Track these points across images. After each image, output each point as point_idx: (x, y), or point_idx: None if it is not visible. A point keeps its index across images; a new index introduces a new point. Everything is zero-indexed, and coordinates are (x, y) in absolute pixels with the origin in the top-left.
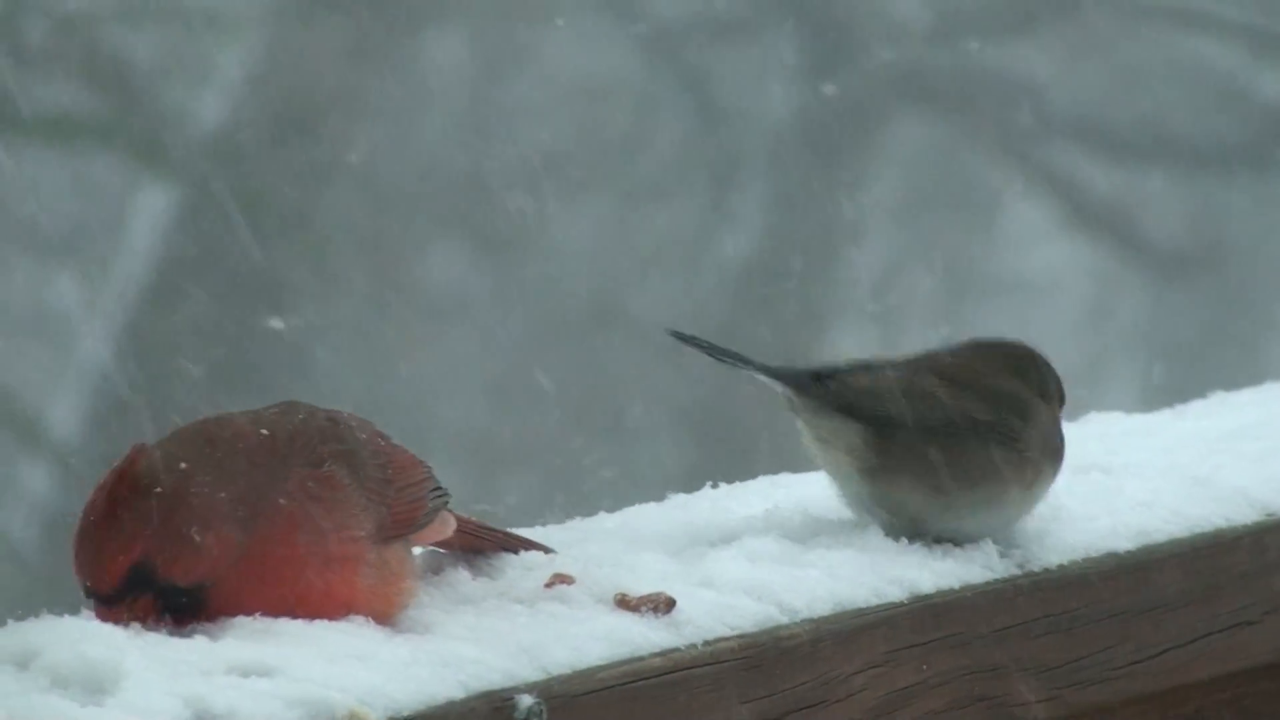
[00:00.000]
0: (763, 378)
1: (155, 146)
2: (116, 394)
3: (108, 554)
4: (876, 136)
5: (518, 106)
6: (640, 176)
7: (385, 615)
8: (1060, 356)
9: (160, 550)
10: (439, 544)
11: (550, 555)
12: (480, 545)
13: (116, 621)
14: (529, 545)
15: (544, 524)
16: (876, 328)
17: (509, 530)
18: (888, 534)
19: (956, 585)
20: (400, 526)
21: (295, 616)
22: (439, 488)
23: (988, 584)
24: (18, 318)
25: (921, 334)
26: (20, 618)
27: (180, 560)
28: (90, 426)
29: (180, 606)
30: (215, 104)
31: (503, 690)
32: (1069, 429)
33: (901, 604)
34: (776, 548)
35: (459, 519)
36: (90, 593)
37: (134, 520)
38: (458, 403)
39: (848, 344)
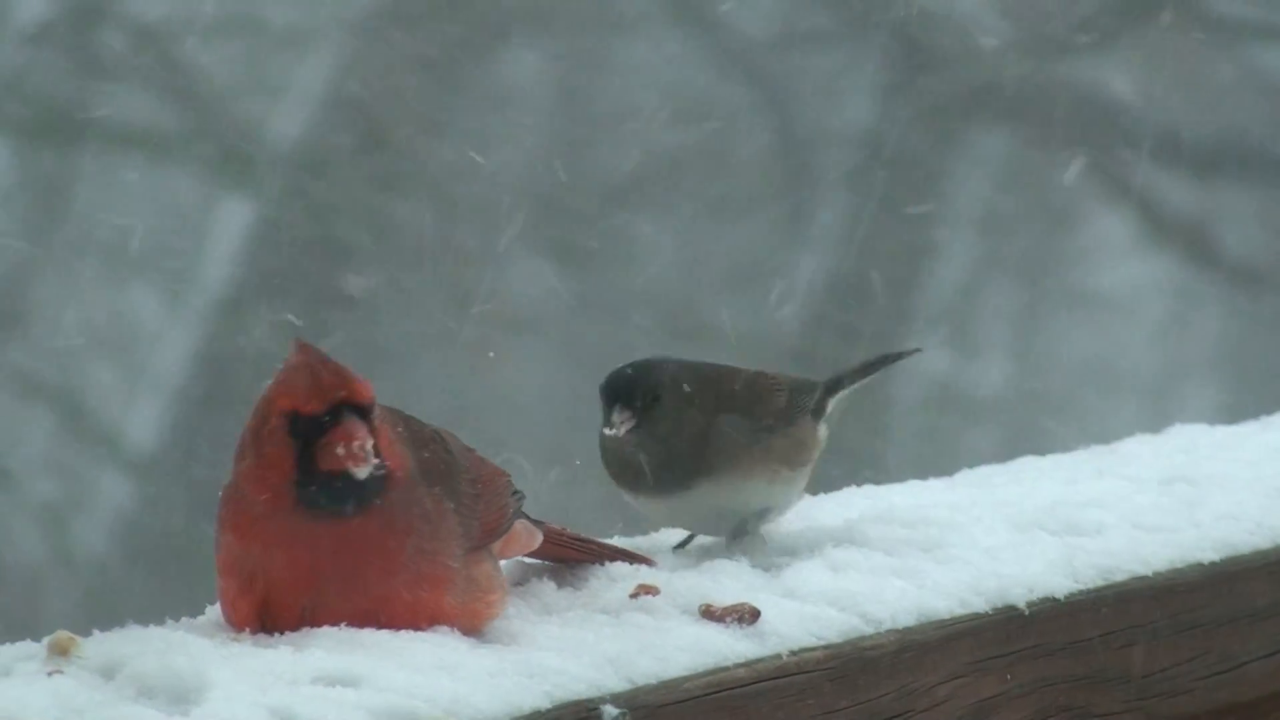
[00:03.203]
0: None
1: (235, 159)
2: (195, 407)
3: (355, 375)
4: (956, 151)
5: (599, 120)
6: (721, 191)
7: (473, 628)
8: (1139, 369)
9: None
10: (526, 554)
11: (635, 566)
12: (570, 555)
13: (360, 436)
14: (626, 556)
15: (629, 535)
16: (955, 343)
17: (604, 540)
18: None
19: (1041, 596)
20: (486, 536)
21: (380, 624)
22: (516, 490)
23: (1071, 595)
24: (98, 330)
25: (1001, 349)
26: (106, 627)
27: (384, 434)
28: (168, 439)
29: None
30: (295, 117)
31: (588, 700)
32: (1154, 440)
33: (986, 614)
34: (860, 558)
35: (548, 529)
36: (342, 405)
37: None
38: (537, 416)
39: (927, 359)
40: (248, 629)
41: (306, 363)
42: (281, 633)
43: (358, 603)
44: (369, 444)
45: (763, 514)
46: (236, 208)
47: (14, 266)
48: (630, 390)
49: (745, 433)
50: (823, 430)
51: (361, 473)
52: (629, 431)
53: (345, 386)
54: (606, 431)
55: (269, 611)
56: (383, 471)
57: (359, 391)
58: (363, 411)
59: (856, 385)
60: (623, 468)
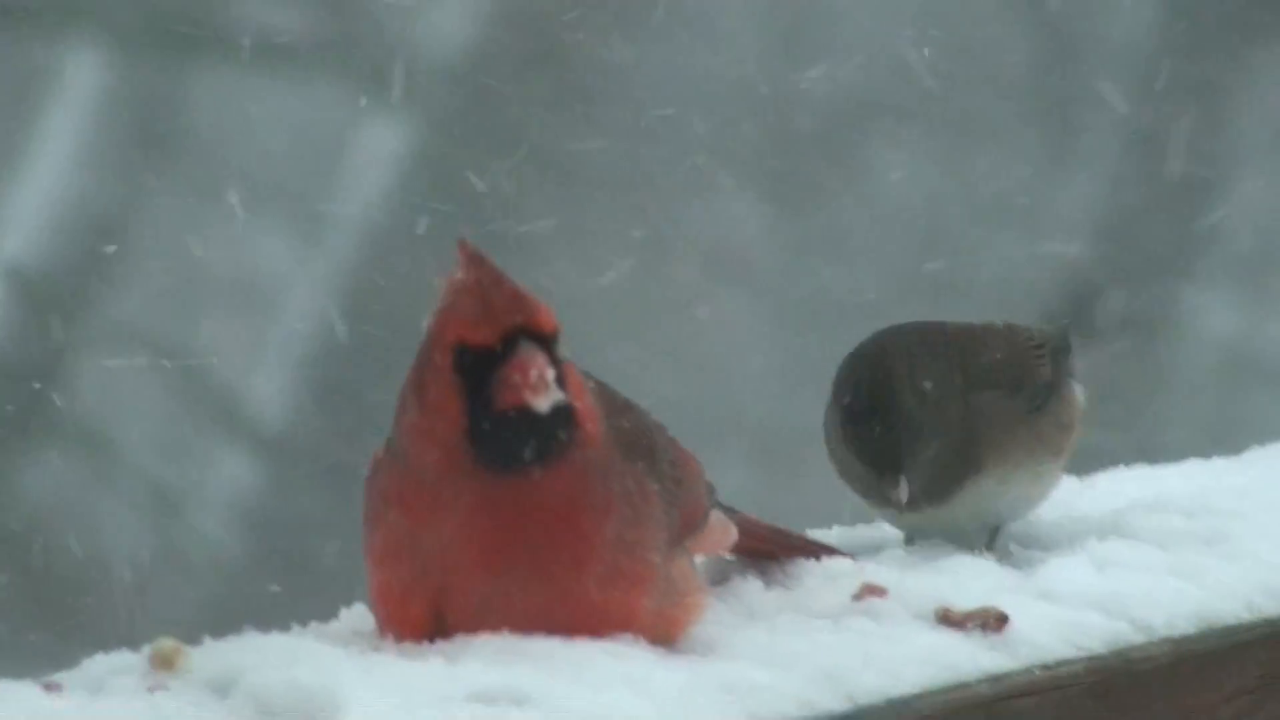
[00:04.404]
0: None
1: (383, 74)
2: (333, 371)
3: (535, 299)
4: (1251, 61)
5: (822, 26)
6: (975, 112)
7: (668, 637)
8: None
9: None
10: (722, 551)
11: (859, 564)
12: (769, 550)
13: (539, 365)
14: (826, 550)
15: (852, 525)
16: (1248, 297)
17: (803, 533)
18: None
19: None
20: (685, 531)
21: (552, 631)
22: (710, 483)
23: None
24: (216, 278)
25: None
26: (220, 635)
27: (573, 376)
28: (300, 410)
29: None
30: (455, 24)
31: None
32: None
33: None
34: (1129, 552)
35: (742, 519)
36: (519, 334)
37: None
38: (738, 381)
39: (1215, 308)
40: (417, 633)
41: (476, 283)
42: (457, 636)
43: (537, 597)
44: (550, 374)
45: (1022, 514)
46: (383, 133)
47: (117, 202)
48: (893, 451)
49: (1008, 414)
50: (1081, 396)
51: (542, 404)
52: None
53: (522, 311)
54: (893, 500)
55: (448, 602)
56: (569, 408)
57: (539, 318)
58: (544, 341)
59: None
60: (871, 483)
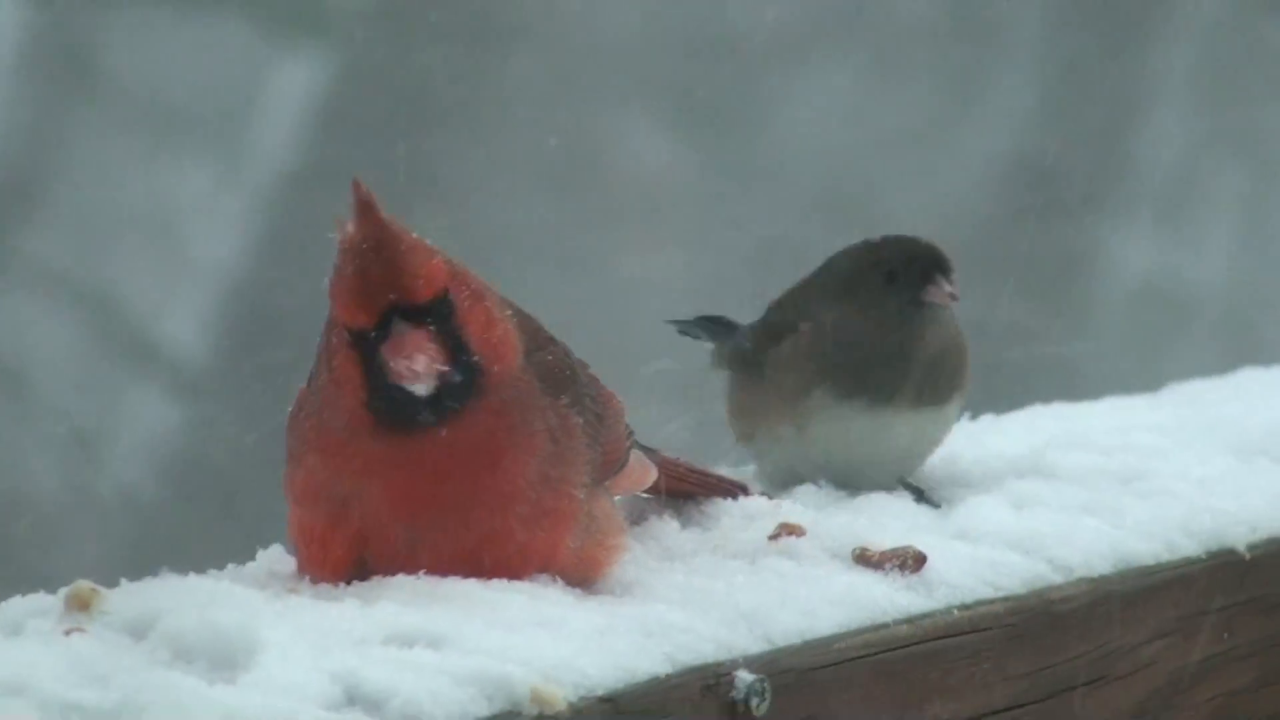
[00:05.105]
0: None
1: (300, 11)
2: (250, 309)
3: (420, 259)
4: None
5: None
6: (884, 44)
7: (587, 579)
8: None
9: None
10: (641, 490)
11: (776, 502)
12: (688, 489)
13: (410, 349)
14: (743, 489)
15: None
16: (1167, 228)
17: (721, 473)
18: None
19: (1266, 536)
20: (607, 469)
21: (475, 572)
22: (628, 426)
23: None
24: (132, 215)
25: (1220, 239)
26: (136, 577)
27: (475, 323)
28: (218, 349)
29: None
30: None
31: (717, 664)
32: None
33: (1200, 559)
34: (1048, 491)
35: (661, 459)
36: (394, 309)
37: (423, 246)
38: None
39: (1130, 248)
40: (338, 572)
41: (358, 245)
42: (380, 576)
43: (463, 540)
44: (420, 359)
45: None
46: (298, 67)
47: (30, 140)
48: (947, 256)
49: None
50: None
51: (420, 387)
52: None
53: (396, 285)
54: (935, 300)
55: (369, 548)
56: (466, 372)
57: (411, 290)
58: (425, 313)
59: None
60: (886, 365)
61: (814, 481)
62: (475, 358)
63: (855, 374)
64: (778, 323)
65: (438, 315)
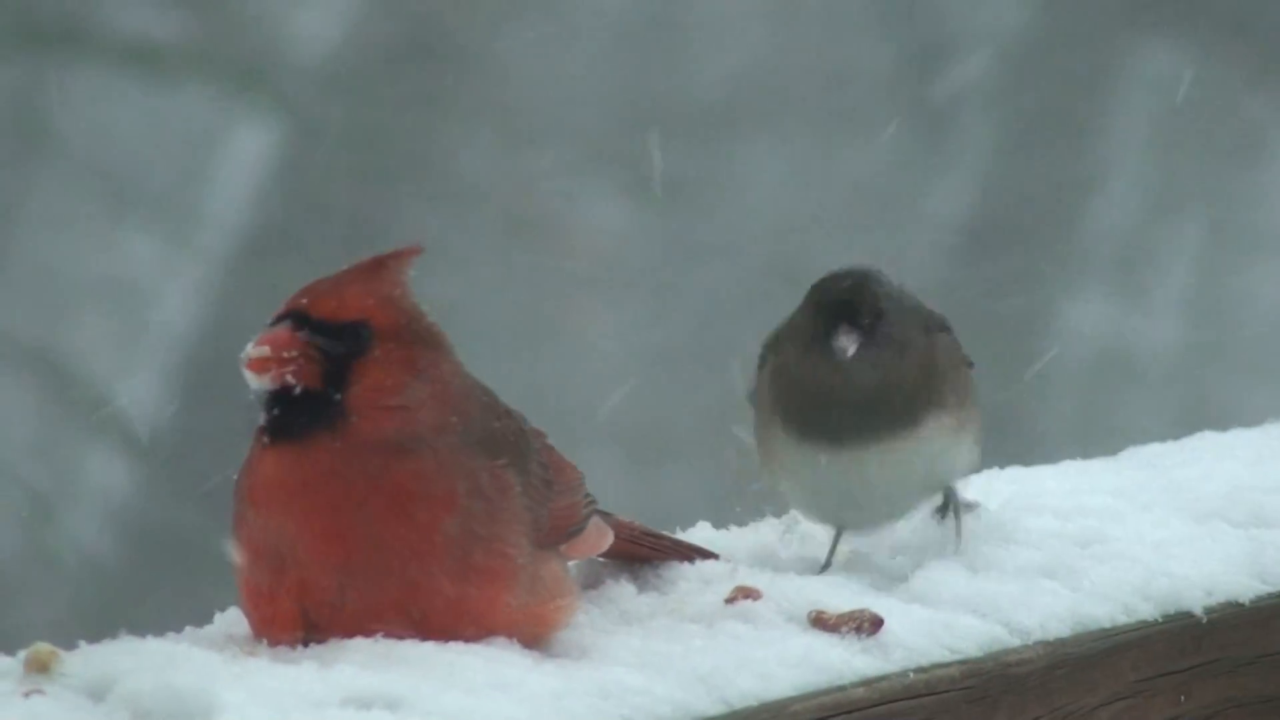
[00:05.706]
0: None
1: (253, 77)
2: (205, 375)
3: (348, 283)
4: (1122, 65)
5: (691, 25)
6: (840, 111)
7: (536, 638)
8: None
9: (383, 314)
10: (597, 554)
11: (730, 565)
12: (643, 554)
13: (267, 340)
14: (700, 553)
15: (726, 527)
16: (1120, 295)
17: (676, 537)
18: None
19: (1222, 600)
20: (555, 535)
21: (409, 625)
22: (589, 494)
23: (1260, 599)
24: (86, 280)
25: (1175, 302)
26: (95, 639)
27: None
28: (173, 414)
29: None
30: (324, 26)
31: None
32: None
33: (1156, 623)
34: (1004, 555)
35: (617, 523)
36: (292, 313)
37: (386, 285)
38: (612, 383)
39: (1085, 311)
40: (288, 630)
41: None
42: (325, 637)
43: (388, 590)
44: (262, 348)
45: (959, 481)
46: (254, 135)
47: None
48: (856, 303)
49: (960, 360)
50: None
51: (256, 383)
52: (858, 351)
53: (308, 293)
54: (836, 348)
55: (307, 598)
56: (318, 395)
57: (316, 304)
58: (307, 322)
59: None
60: (822, 407)
61: (824, 520)
62: (343, 395)
63: (801, 414)
64: (760, 356)
65: (336, 337)
